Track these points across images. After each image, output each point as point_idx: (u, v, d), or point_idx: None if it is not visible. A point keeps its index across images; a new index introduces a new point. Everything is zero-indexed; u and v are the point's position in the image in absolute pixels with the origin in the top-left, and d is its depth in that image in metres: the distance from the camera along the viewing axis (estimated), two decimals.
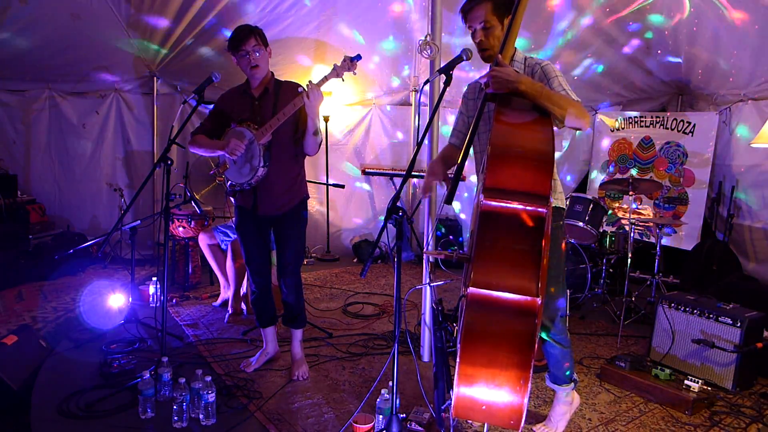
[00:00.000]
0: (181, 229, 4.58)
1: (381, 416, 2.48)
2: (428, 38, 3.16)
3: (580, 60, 5.24)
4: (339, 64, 2.85)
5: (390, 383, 2.34)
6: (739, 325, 3.03)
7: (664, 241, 4.99)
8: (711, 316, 3.16)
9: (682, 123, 5.18)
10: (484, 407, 1.85)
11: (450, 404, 1.92)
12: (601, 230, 4.59)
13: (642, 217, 5.16)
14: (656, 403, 2.94)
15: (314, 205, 6.29)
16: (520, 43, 4.33)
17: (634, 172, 5.51)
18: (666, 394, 2.92)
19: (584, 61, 5.24)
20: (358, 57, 2.85)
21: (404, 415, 2.66)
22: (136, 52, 5.10)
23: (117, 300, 3.82)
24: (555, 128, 2.13)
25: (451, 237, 6.02)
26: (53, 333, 3.58)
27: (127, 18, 4.66)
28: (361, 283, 5.23)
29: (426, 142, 3.30)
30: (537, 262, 1.79)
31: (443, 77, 2.29)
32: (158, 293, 4.12)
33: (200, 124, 3.08)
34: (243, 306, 4.16)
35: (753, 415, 2.82)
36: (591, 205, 4.45)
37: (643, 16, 4.59)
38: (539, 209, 1.83)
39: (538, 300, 1.77)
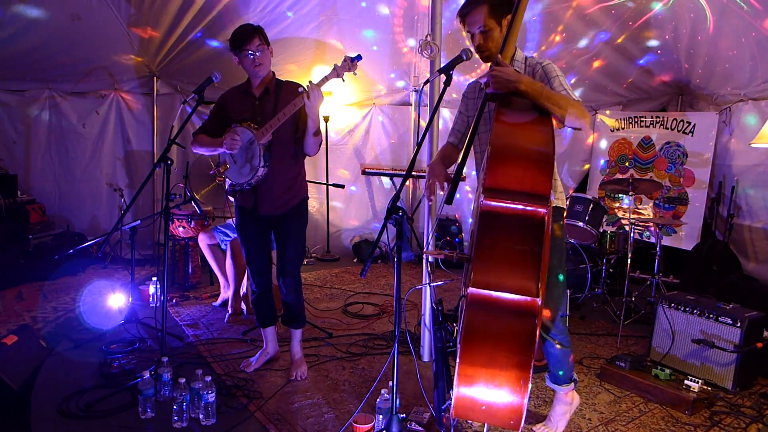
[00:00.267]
0: (181, 229, 4.58)
1: (381, 416, 2.48)
2: (428, 38, 3.17)
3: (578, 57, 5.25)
4: (339, 64, 2.85)
5: (390, 383, 2.34)
6: (739, 325, 3.03)
7: (664, 241, 4.99)
8: (711, 316, 3.16)
9: (682, 123, 5.18)
10: (483, 407, 1.85)
11: (450, 404, 1.92)
12: (601, 230, 4.59)
13: (642, 217, 5.17)
14: (656, 403, 2.94)
15: (314, 205, 6.29)
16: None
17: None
18: (666, 394, 2.92)
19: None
20: (359, 57, 2.85)
21: (404, 415, 2.66)
22: (136, 52, 5.10)
23: (117, 300, 3.82)
24: (555, 128, 2.13)
25: (451, 237, 6.02)
26: (53, 333, 3.58)
27: (127, 18, 4.66)
28: (361, 283, 5.23)
29: (426, 142, 3.30)
30: (537, 262, 1.79)
31: (443, 77, 2.29)
32: (158, 293, 4.12)
33: (202, 124, 3.08)
34: (243, 306, 4.16)
35: (753, 415, 2.82)
36: (591, 205, 4.45)
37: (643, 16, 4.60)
38: (539, 209, 1.83)
39: (538, 300, 1.76)
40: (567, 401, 2.57)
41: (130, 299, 3.91)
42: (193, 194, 4.20)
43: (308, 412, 2.76)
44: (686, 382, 2.93)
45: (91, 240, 4.49)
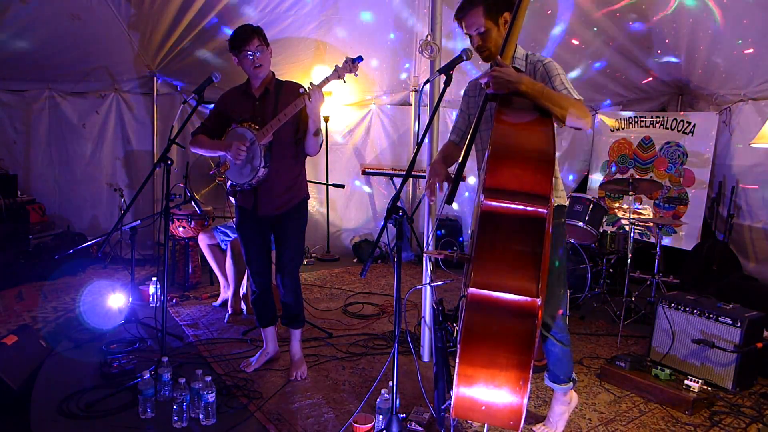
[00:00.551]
0: (181, 229, 4.58)
1: (381, 416, 2.48)
2: (428, 38, 3.17)
3: (579, 60, 5.25)
4: (340, 65, 2.85)
5: (390, 383, 2.34)
6: (739, 325, 3.03)
7: (664, 241, 4.99)
8: (711, 316, 3.16)
9: (682, 123, 5.18)
10: (483, 407, 1.85)
11: (450, 404, 1.92)
12: (601, 230, 4.59)
13: (642, 217, 5.17)
14: (656, 403, 2.94)
15: (314, 205, 6.29)
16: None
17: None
18: (666, 394, 2.92)
19: (582, 61, 5.24)
20: (360, 58, 2.85)
21: (404, 415, 2.66)
22: (136, 52, 5.10)
23: (117, 300, 3.82)
24: (556, 127, 2.13)
25: (451, 237, 6.02)
26: (53, 333, 3.59)
27: (127, 18, 4.66)
28: (361, 283, 5.23)
29: (426, 142, 3.30)
30: (537, 262, 1.79)
31: (443, 77, 2.29)
32: (158, 293, 4.12)
33: (201, 124, 3.08)
34: (243, 306, 4.16)
35: (753, 415, 2.82)
36: (591, 205, 4.45)
37: (644, 16, 4.59)
38: (539, 210, 1.83)
39: (538, 300, 1.76)
40: (565, 401, 2.57)
41: (130, 299, 3.91)
42: (193, 194, 4.20)
43: (308, 412, 2.76)
44: (686, 382, 2.93)
45: (91, 240, 4.49)
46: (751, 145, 4.14)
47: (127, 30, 4.77)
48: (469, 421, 2.63)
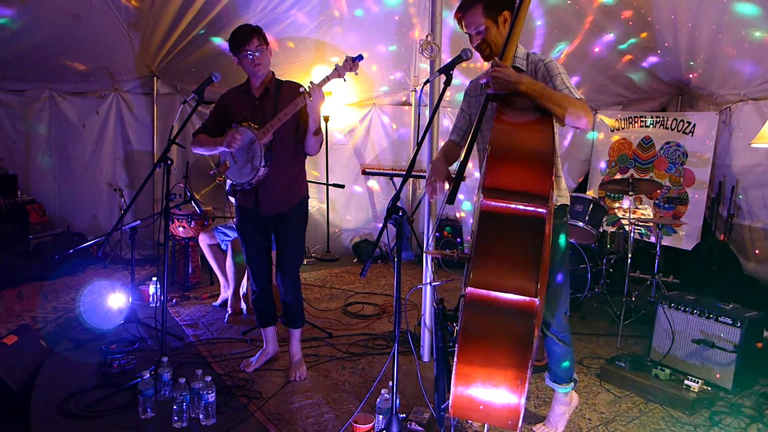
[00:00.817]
0: (181, 229, 4.59)
1: (381, 416, 2.48)
2: (428, 38, 3.17)
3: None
4: (341, 64, 2.85)
5: (390, 383, 2.34)
6: (739, 325, 3.03)
7: (664, 241, 4.99)
8: (711, 316, 3.16)
9: (682, 123, 5.18)
10: (481, 407, 1.85)
11: (449, 404, 1.92)
12: (601, 230, 4.59)
13: (642, 217, 5.16)
14: (656, 403, 2.94)
15: (314, 205, 6.29)
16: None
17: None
18: (666, 394, 2.92)
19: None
20: (360, 57, 2.85)
21: (404, 415, 2.66)
22: (136, 52, 5.10)
23: (117, 300, 3.82)
24: (556, 127, 2.13)
25: (451, 237, 6.02)
26: (53, 333, 3.58)
27: (127, 18, 4.66)
28: (361, 283, 5.23)
29: (426, 142, 3.30)
30: (536, 262, 1.79)
31: (443, 77, 2.29)
32: (158, 293, 4.12)
33: (202, 124, 3.08)
34: (243, 306, 4.16)
35: (753, 415, 2.82)
36: (591, 205, 4.45)
37: (644, 17, 4.59)
38: (539, 209, 1.83)
39: (537, 300, 1.76)
40: (566, 401, 2.57)
41: (130, 299, 3.91)
42: (193, 194, 4.20)
43: (308, 412, 2.76)
44: (686, 382, 2.93)
45: (91, 240, 4.49)
46: (751, 145, 4.13)
47: (128, 30, 4.77)
48: (469, 421, 2.63)
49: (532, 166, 1.90)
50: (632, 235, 4.08)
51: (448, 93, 5.61)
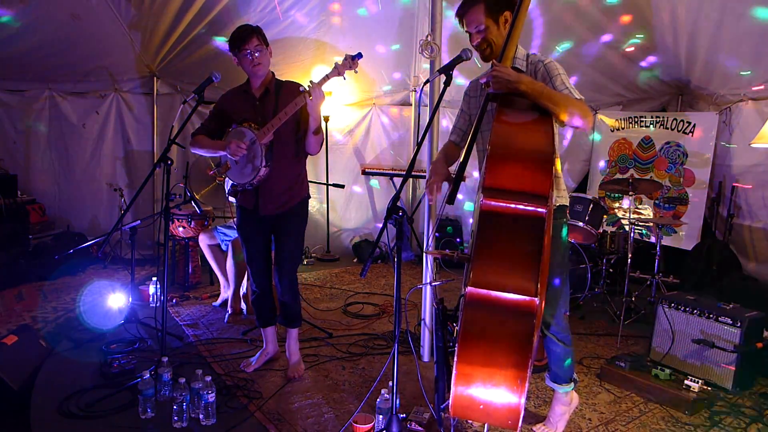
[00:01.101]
0: (181, 229, 4.58)
1: (381, 416, 2.48)
2: (428, 38, 3.17)
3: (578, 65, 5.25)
4: (340, 62, 2.85)
5: (390, 383, 2.34)
6: (739, 325, 3.03)
7: (664, 241, 4.99)
8: (711, 316, 3.16)
9: (682, 123, 5.18)
10: (481, 406, 1.85)
11: (449, 404, 1.92)
12: (601, 230, 4.58)
13: (642, 217, 5.16)
14: (656, 403, 2.94)
15: (314, 205, 6.29)
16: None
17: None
18: (666, 394, 2.92)
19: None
20: (360, 55, 2.85)
21: (404, 415, 2.66)
22: (136, 52, 5.10)
23: (117, 300, 3.82)
24: (556, 127, 2.13)
25: (451, 237, 6.02)
26: (53, 333, 3.59)
27: (127, 18, 4.66)
28: (361, 283, 5.23)
29: (426, 142, 3.30)
30: (536, 262, 1.79)
31: (443, 77, 2.29)
32: (158, 293, 4.12)
33: (201, 125, 3.08)
34: (243, 306, 4.16)
35: (753, 415, 2.82)
36: (591, 205, 4.45)
37: (644, 17, 4.59)
38: (539, 209, 1.83)
39: (537, 300, 1.77)
40: (566, 401, 2.57)
41: (130, 299, 3.91)
42: (193, 194, 4.20)
43: (308, 412, 2.76)
44: (686, 382, 2.93)
45: (91, 240, 4.49)
46: (751, 145, 4.14)
47: (128, 30, 4.77)
48: (469, 421, 2.63)
49: (532, 165, 1.90)
50: (632, 235, 4.08)
51: (448, 93, 5.61)
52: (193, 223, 4.55)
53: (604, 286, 4.62)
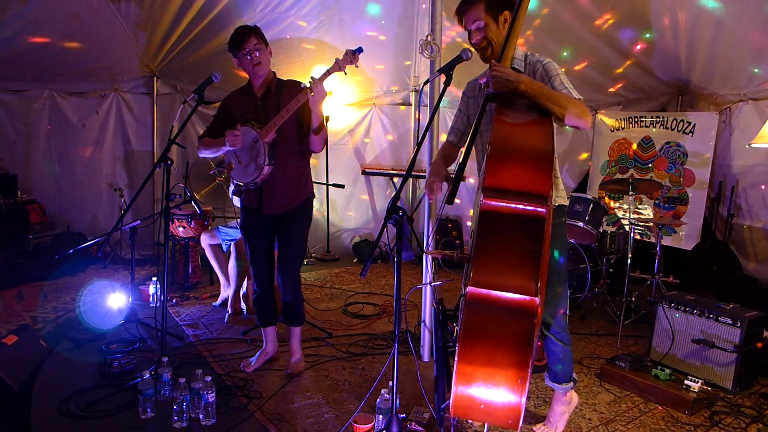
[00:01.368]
0: (181, 229, 4.59)
1: (381, 416, 2.48)
2: (428, 38, 3.17)
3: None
4: (341, 57, 2.85)
5: (390, 383, 2.34)
6: (739, 325, 3.03)
7: (664, 241, 4.99)
8: (711, 316, 3.16)
9: (682, 123, 5.18)
10: (482, 406, 1.85)
11: (449, 404, 1.92)
12: (601, 230, 4.58)
13: (642, 217, 5.16)
14: (656, 403, 2.94)
15: (314, 205, 6.26)
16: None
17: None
18: (666, 394, 2.92)
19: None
20: (360, 49, 2.84)
21: (404, 415, 2.66)
22: (136, 52, 5.10)
23: (117, 300, 3.82)
24: (556, 127, 2.13)
25: (451, 237, 6.02)
26: (53, 333, 3.59)
27: (127, 18, 4.66)
28: (361, 283, 5.23)
29: (426, 142, 3.30)
30: (536, 261, 1.79)
31: (443, 77, 2.29)
32: (158, 293, 4.12)
33: (206, 128, 3.12)
34: (243, 306, 4.16)
35: (753, 415, 2.82)
36: (591, 205, 4.45)
37: (643, 17, 4.59)
38: (538, 209, 1.83)
39: (537, 300, 1.77)
40: (566, 401, 2.57)
41: (130, 299, 3.91)
42: (193, 194, 4.20)
43: (308, 412, 2.76)
44: (686, 382, 2.93)
45: (91, 240, 4.49)
46: (751, 145, 4.14)
47: (127, 30, 4.77)
48: (469, 421, 2.63)
49: (532, 165, 1.90)
50: (632, 235, 4.08)
51: (448, 93, 5.61)
52: (193, 223, 4.55)
53: (604, 286, 4.62)
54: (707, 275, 4.50)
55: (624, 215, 5.35)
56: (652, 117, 5.45)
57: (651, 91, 5.59)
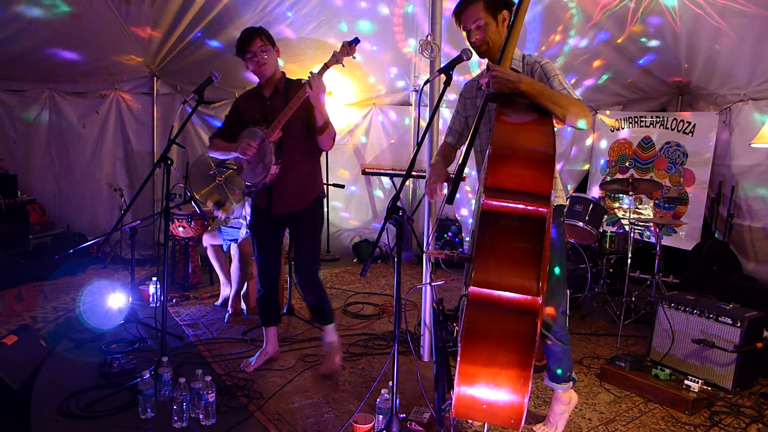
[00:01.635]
0: (181, 229, 4.59)
1: (381, 416, 2.48)
2: (428, 38, 3.17)
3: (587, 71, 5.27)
4: (338, 50, 2.86)
5: (390, 383, 2.34)
6: (739, 325, 3.03)
7: (664, 241, 4.99)
8: (711, 316, 3.16)
9: (682, 123, 5.18)
10: (484, 406, 1.85)
11: (450, 404, 1.92)
12: (601, 230, 4.59)
13: (642, 217, 5.16)
14: (656, 403, 2.94)
15: None
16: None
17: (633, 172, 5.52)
18: (666, 394, 2.92)
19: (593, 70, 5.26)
20: (356, 40, 2.85)
21: (404, 415, 2.66)
22: (136, 52, 5.10)
23: (117, 300, 3.82)
24: (555, 127, 2.13)
25: (451, 237, 6.02)
26: (53, 333, 3.59)
27: (127, 18, 4.66)
28: (361, 283, 5.23)
29: (426, 142, 3.31)
30: (538, 261, 1.79)
31: (443, 77, 2.29)
32: (158, 293, 4.12)
33: (218, 129, 3.15)
34: (243, 306, 4.16)
35: (753, 415, 2.82)
36: (591, 205, 4.45)
37: (643, 17, 4.59)
38: (540, 209, 1.83)
39: (539, 299, 1.77)
40: (565, 401, 2.56)
41: (130, 299, 3.91)
42: (193, 194, 4.20)
43: (308, 412, 2.76)
44: (686, 382, 2.93)
45: (91, 240, 4.49)
46: (751, 145, 4.14)
47: (127, 30, 4.77)
48: (470, 421, 2.63)
49: (534, 165, 1.90)
50: (632, 235, 4.08)
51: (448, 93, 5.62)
52: (193, 223, 4.55)
53: (604, 286, 4.62)
54: (707, 275, 4.50)
55: (624, 215, 5.35)
56: (652, 117, 5.45)
57: (651, 91, 5.59)
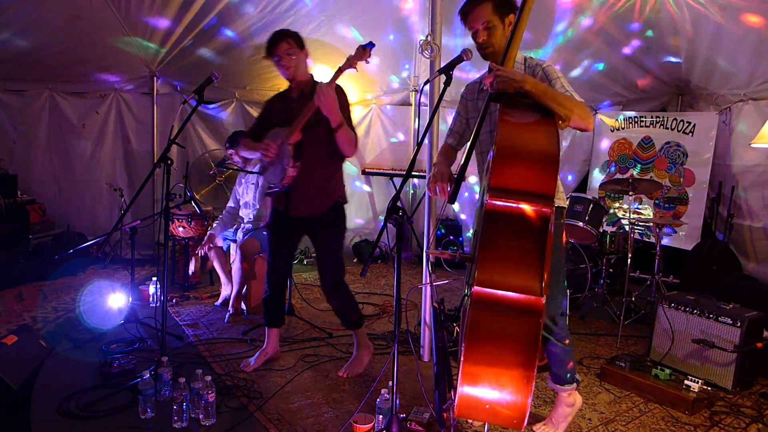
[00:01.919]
0: (181, 229, 4.59)
1: (381, 416, 2.48)
2: (428, 38, 3.17)
3: (580, 60, 5.25)
4: (353, 53, 2.85)
5: (390, 383, 2.34)
6: (739, 325, 3.03)
7: (664, 241, 4.99)
8: (711, 316, 3.16)
9: (682, 123, 5.18)
10: (487, 406, 1.85)
11: (451, 404, 1.92)
12: (601, 230, 4.59)
13: (642, 217, 5.17)
14: (656, 403, 2.94)
15: None
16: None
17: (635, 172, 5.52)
18: (666, 394, 2.91)
19: (584, 61, 5.24)
20: (371, 44, 2.82)
21: (404, 415, 2.66)
22: (136, 52, 5.10)
23: (117, 300, 3.82)
24: (559, 128, 2.12)
25: (451, 237, 6.02)
26: (53, 333, 3.58)
27: (127, 18, 4.66)
28: (361, 283, 5.23)
29: (426, 142, 3.31)
30: (541, 261, 1.79)
31: (443, 77, 2.29)
32: (158, 293, 4.12)
33: (249, 129, 3.20)
34: (243, 306, 4.16)
35: (753, 415, 2.82)
36: (591, 205, 4.44)
37: (643, 16, 4.59)
38: (543, 209, 1.83)
39: (542, 299, 1.77)
40: (570, 402, 2.56)
41: (130, 299, 3.91)
42: (193, 194, 4.20)
43: (308, 412, 2.76)
44: (686, 382, 2.93)
45: (91, 240, 4.49)
46: (751, 145, 4.14)
47: (127, 30, 4.77)
48: (470, 421, 2.63)
49: (537, 165, 1.90)
50: (632, 235, 4.08)
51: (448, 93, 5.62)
52: (193, 223, 4.55)
53: (604, 286, 4.62)
54: (707, 275, 4.50)
55: (624, 215, 5.35)
56: (652, 117, 5.45)
57: (651, 91, 5.59)
